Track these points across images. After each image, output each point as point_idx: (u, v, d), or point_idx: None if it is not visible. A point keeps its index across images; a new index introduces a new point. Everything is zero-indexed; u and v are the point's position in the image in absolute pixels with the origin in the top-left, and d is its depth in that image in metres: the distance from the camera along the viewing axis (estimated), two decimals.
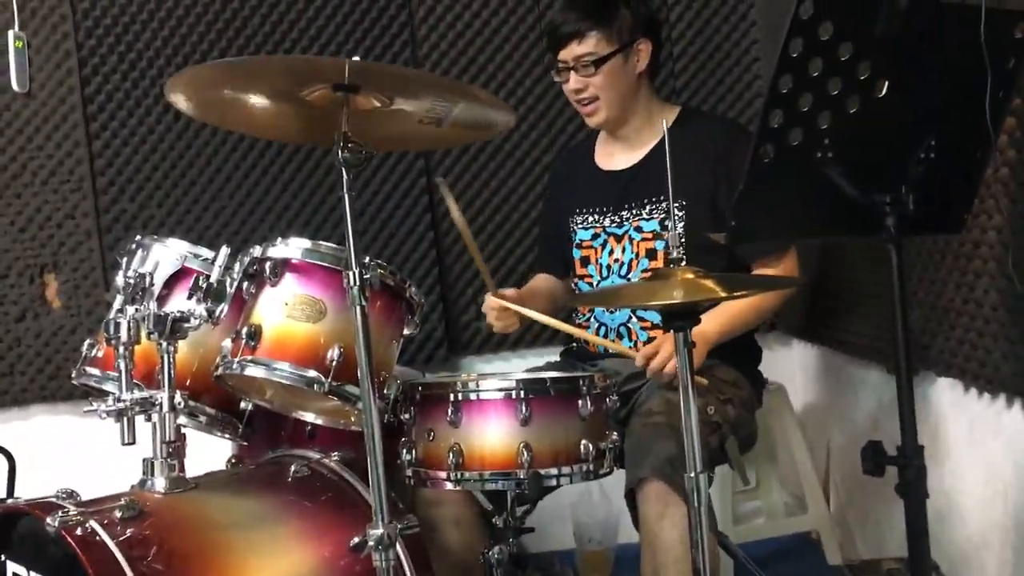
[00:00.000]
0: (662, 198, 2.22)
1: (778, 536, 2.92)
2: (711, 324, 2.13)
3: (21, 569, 1.68)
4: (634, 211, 2.31)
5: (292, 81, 1.65)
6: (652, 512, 1.89)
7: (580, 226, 2.39)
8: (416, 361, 3.02)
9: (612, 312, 2.31)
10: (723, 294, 1.59)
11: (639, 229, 2.29)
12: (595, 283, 2.35)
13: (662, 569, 1.88)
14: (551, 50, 2.30)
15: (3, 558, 1.71)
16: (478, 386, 1.79)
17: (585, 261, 2.38)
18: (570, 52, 2.24)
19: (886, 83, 1.48)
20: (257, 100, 1.73)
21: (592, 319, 2.35)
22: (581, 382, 1.81)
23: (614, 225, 2.34)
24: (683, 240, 2.20)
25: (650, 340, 2.22)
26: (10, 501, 1.72)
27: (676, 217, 2.20)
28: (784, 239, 2.15)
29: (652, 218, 2.28)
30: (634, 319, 2.27)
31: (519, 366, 3.01)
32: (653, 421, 1.98)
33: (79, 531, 1.54)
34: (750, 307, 2.21)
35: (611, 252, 2.33)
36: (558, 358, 2.45)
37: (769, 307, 2.27)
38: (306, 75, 1.64)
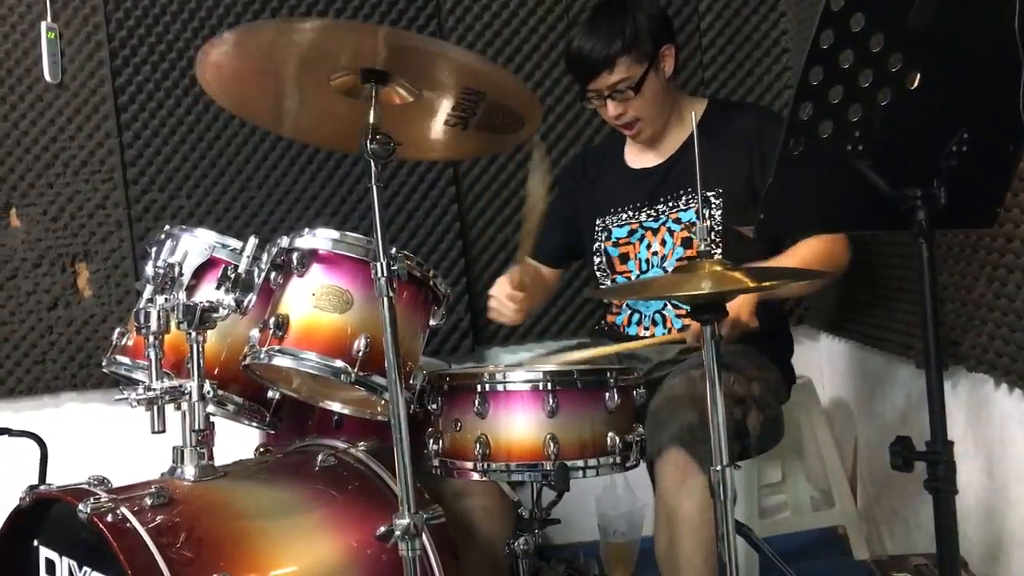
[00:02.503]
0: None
1: (804, 530, 2.90)
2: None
3: (53, 554, 1.71)
4: (670, 203, 2.31)
5: (321, 56, 1.63)
6: (670, 483, 1.89)
7: (615, 224, 2.39)
8: (441, 352, 3.03)
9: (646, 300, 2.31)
10: (751, 285, 1.58)
11: (678, 221, 2.30)
12: (635, 278, 2.35)
13: (678, 540, 1.87)
14: (579, 82, 2.27)
15: (35, 543, 1.73)
16: (505, 377, 1.79)
17: (624, 258, 2.37)
18: (603, 82, 2.21)
19: (918, 75, 1.46)
20: (288, 89, 1.73)
21: (625, 306, 2.35)
22: (608, 374, 1.81)
23: (650, 219, 2.34)
24: (720, 228, 2.22)
25: (685, 328, 2.23)
26: (42, 487, 1.74)
27: (713, 205, 2.23)
28: (813, 232, 2.12)
29: (689, 208, 2.28)
30: (669, 306, 2.28)
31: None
32: (674, 394, 1.98)
33: (110, 517, 1.56)
34: (817, 252, 2.11)
35: (649, 246, 2.33)
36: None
37: (839, 254, 2.15)
38: (336, 49, 1.63)
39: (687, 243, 2.26)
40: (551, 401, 1.73)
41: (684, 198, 2.29)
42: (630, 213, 2.37)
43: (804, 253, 2.12)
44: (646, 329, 2.31)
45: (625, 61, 2.18)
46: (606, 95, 2.23)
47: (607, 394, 1.78)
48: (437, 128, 1.82)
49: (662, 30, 2.25)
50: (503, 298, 2.20)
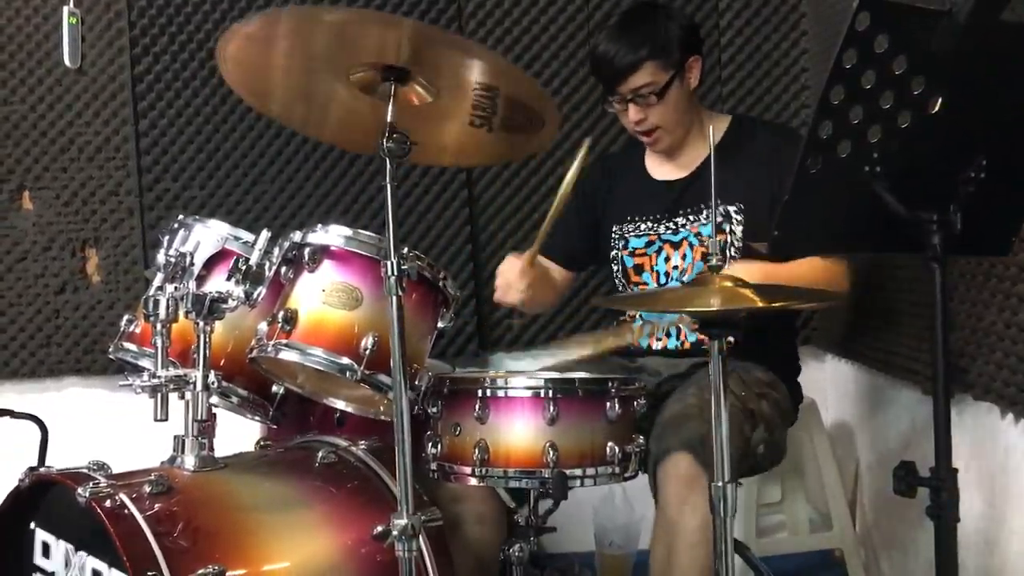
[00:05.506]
0: (719, 202, 2.20)
1: (802, 552, 2.89)
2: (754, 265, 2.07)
3: (49, 537, 1.70)
4: (690, 217, 2.30)
5: (341, 49, 1.64)
6: (673, 495, 1.87)
7: (632, 234, 2.38)
8: (446, 354, 3.03)
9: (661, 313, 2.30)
10: (760, 304, 1.57)
11: (699, 235, 2.29)
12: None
13: (676, 555, 1.86)
14: (604, 85, 2.26)
15: (32, 525, 1.73)
16: (506, 383, 1.78)
17: (639, 269, 2.36)
18: (627, 86, 2.19)
19: (939, 99, 1.46)
20: (306, 82, 1.73)
21: (639, 316, 2.34)
22: (610, 384, 1.80)
23: (669, 232, 2.33)
24: (740, 244, 2.21)
25: (699, 342, 2.22)
26: (42, 470, 1.74)
27: (734, 220, 2.22)
28: (827, 252, 2.11)
29: (709, 222, 2.26)
30: (685, 319, 2.26)
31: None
32: (687, 402, 1.97)
33: (108, 503, 1.56)
34: (816, 268, 2.11)
35: (668, 259, 2.32)
36: None
37: (837, 277, 2.16)
38: (358, 41, 1.64)
39: (706, 258, 2.24)
40: (551, 408, 1.73)
41: (705, 212, 2.27)
42: (649, 224, 2.35)
43: (802, 269, 2.11)
44: (659, 340, 2.30)
45: (651, 66, 2.18)
46: (628, 99, 2.22)
47: (608, 403, 1.78)
48: (458, 130, 1.81)
49: (691, 40, 2.25)
50: (514, 275, 2.18)
